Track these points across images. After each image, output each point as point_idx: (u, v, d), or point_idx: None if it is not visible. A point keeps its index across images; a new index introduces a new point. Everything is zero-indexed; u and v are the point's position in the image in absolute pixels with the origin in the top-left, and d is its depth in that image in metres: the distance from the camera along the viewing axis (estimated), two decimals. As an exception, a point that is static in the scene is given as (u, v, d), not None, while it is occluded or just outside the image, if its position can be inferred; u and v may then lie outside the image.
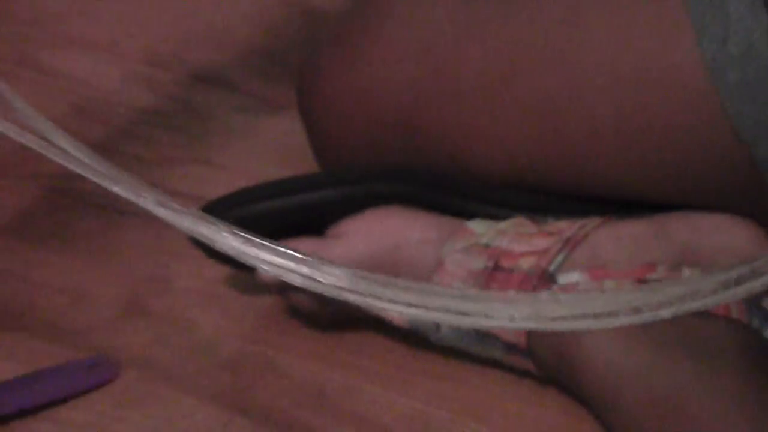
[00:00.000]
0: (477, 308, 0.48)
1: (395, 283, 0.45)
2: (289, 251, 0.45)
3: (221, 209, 0.65)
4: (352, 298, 0.45)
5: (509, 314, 0.46)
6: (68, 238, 0.74)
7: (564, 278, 0.62)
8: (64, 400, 0.65)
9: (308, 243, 0.64)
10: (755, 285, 0.44)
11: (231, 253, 0.46)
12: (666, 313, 0.45)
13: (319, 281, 0.45)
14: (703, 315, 0.61)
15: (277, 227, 0.63)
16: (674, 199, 0.64)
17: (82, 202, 0.75)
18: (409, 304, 0.49)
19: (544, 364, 0.63)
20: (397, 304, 0.47)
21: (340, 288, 0.44)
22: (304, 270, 0.45)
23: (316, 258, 0.45)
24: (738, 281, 0.44)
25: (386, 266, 0.63)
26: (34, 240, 0.73)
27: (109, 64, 0.88)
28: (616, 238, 0.64)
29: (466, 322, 0.46)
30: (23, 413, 0.65)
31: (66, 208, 0.76)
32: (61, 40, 0.90)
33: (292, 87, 0.72)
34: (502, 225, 0.64)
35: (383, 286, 0.45)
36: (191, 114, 0.83)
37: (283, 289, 0.65)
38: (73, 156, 0.48)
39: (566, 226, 0.63)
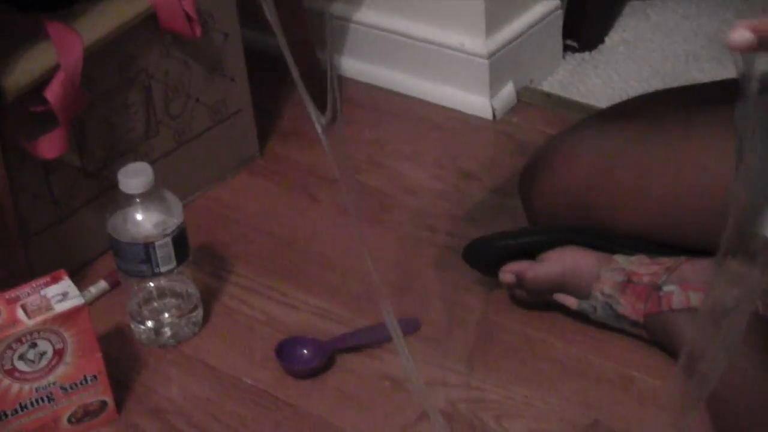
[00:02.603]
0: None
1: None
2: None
3: (488, 240, 1.14)
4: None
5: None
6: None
7: (666, 288, 1.06)
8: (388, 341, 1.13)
9: (529, 263, 1.12)
10: None
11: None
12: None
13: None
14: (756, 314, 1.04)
15: (514, 255, 1.12)
16: None
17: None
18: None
19: (653, 335, 1.08)
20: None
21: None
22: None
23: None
24: None
25: (569, 277, 1.09)
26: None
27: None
28: (696, 268, 1.07)
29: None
30: (363, 348, 1.13)
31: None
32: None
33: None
34: (633, 258, 1.10)
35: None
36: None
37: (510, 287, 1.14)
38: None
39: (668, 261, 1.08)
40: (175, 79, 1.28)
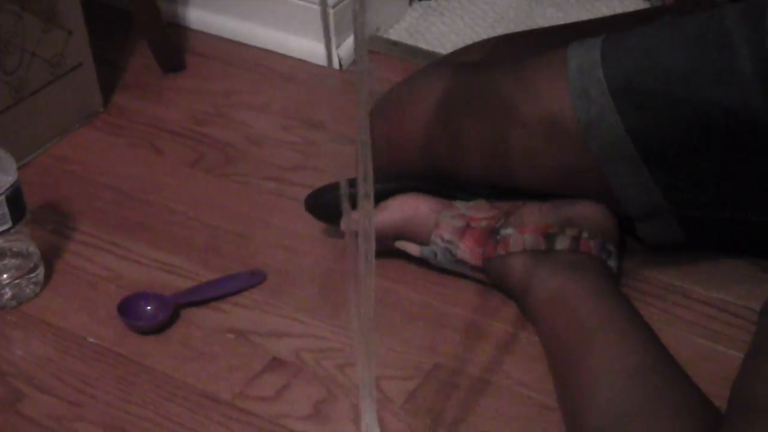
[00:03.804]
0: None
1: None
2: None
3: (327, 190, 1.14)
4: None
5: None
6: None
7: (503, 232, 1.08)
8: (234, 294, 1.13)
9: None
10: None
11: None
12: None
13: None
14: (577, 252, 1.08)
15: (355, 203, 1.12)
16: (561, 191, 1.09)
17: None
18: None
19: (492, 278, 1.10)
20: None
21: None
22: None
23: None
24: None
25: (409, 224, 1.10)
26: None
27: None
28: (531, 211, 1.09)
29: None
30: (208, 302, 1.12)
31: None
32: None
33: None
34: (471, 203, 1.11)
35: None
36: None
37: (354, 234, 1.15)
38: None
39: (506, 205, 1.11)
40: (8, 32, 1.24)
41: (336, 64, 1.46)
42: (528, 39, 1.25)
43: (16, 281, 1.13)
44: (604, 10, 1.53)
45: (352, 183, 1.13)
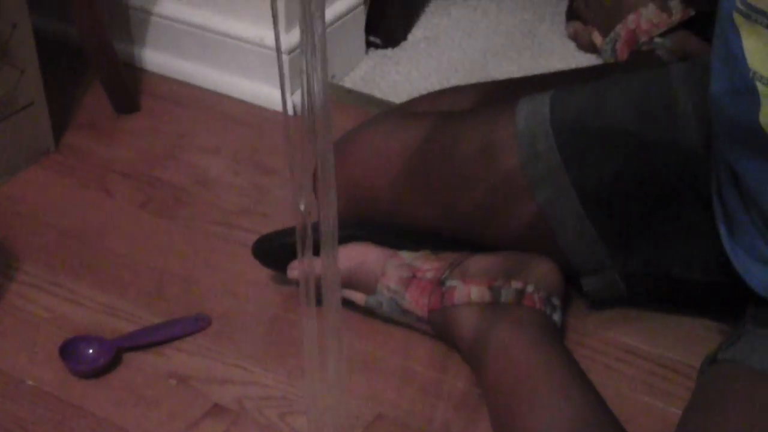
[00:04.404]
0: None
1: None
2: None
3: (275, 236, 1.13)
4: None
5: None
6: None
7: (449, 283, 1.08)
8: (177, 339, 1.12)
9: (316, 260, 1.13)
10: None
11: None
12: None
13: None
14: (521, 305, 1.08)
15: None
16: (508, 244, 1.10)
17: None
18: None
19: (437, 329, 1.10)
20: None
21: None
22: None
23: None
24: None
25: (356, 273, 1.10)
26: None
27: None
28: (477, 263, 1.09)
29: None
30: (152, 346, 1.11)
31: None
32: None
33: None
34: (418, 254, 1.12)
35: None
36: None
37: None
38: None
39: (451, 255, 1.11)
40: (-42, 70, 1.24)
41: (290, 110, 1.46)
42: (479, 91, 1.26)
43: (-43, 321, 1.11)
44: (557, 65, 1.55)
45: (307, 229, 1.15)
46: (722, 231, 0.98)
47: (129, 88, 1.47)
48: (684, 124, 1.01)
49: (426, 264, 1.11)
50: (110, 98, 1.45)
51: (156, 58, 1.54)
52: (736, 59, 0.87)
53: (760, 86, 0.86)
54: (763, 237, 0.93)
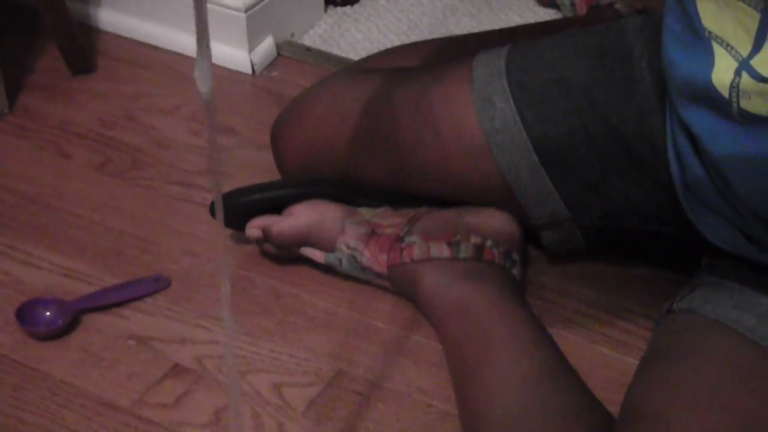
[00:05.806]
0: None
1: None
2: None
3: (234, 195, 1.12)
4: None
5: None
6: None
7: (408, 239, 1.08)
8: (136, 300, 1.12)
9: (275, 218, 1.13)
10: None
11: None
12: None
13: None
14: (481, 260, 1.09)
15: (262, 209, 1.12)
16: (466, 200, 1.10)
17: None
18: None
19: (397, 285, 1.10)
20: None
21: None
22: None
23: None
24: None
25: (314, 230, 1.10)
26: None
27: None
28: (436, 219, 1.10)
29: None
30: (110, 307, 1.11)
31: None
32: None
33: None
34: (377, 210, 1.11)
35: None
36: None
37: (258, 241, 1.15)
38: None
39: (410, 212, 1.11)
40: None
41: (249, 69, 1.45)
42: (435, 47, 1.25)
43: None
44: (516, 20, 1.54)
45: (262, 188, 1.14)
46: (678, 183, 0.98)
47: (84, 48, 1.45)
48: (639, 76, 1.01)
49: (385, 220, 1.11)
50: (65, 59, 1.43)
51: (111, 17, 1.53)
52: (690, 18, 0.87)
53: (715, 45, 0.85)
54: (717, 189, 0.93)
